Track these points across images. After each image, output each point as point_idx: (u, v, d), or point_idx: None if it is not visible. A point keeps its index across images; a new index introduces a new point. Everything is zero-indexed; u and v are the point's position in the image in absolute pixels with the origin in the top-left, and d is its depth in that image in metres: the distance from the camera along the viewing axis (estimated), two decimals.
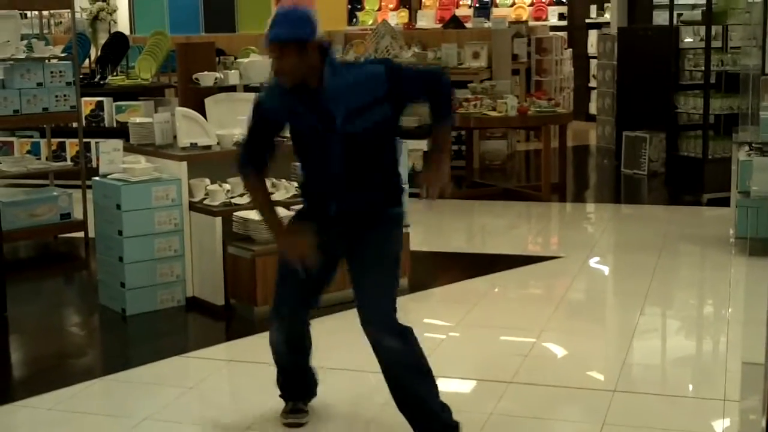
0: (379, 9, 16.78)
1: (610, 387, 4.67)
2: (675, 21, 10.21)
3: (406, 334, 3.87)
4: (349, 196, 3.87)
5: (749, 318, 5.43)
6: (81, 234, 7.62)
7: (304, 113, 3.80)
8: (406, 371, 3.89)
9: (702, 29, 9.78)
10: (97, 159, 8.08)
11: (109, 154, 6.07)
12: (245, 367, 5.12)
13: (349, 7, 16.07)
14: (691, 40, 10.42)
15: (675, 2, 10.28)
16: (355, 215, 3.92)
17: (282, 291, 4.13)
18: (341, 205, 3.89)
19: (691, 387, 4.92)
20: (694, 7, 11.10)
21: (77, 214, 7.66)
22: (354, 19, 16.51)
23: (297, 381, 4.37)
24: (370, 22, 15.97)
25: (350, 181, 3.84)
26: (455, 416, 3.98)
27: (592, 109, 14.05)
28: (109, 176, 5.99)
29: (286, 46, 3.67)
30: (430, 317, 5.90)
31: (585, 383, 4.82)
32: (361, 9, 16.88)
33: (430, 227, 8.14)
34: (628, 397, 4.57)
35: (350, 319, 5.71)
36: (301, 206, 4.22)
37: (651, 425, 4.25)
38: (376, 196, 3.91)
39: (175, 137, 6.19)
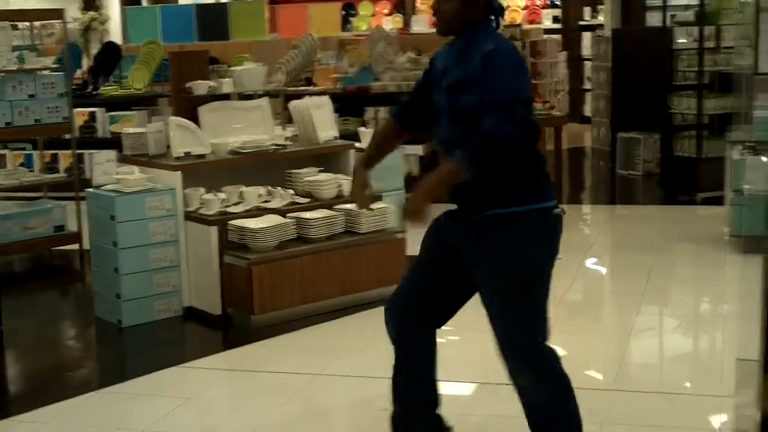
0: (374, 15, 16.80)
1: (609, 386, 4.68)
2: (668, 22, 10.22)
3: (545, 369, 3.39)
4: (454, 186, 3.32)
5: (743, 315, 5.43)
6: (75, 246, 7.61)
7: (441, 72, 3.40)
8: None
9: (695, 30, 9.78)
10: (91, 170, 8.07)
11: (102, 165, 6.07)
12: (244, 376, 5.11)
13: (343, 13, 16.09)
14: (684, 40, 10.42)
15: (668, 3, 10.32)
16: (460, 205, 3.41)
17: (401, 282, 3.62)
18: (450, 192, 3.39)
19: (688, 384, 4.92)
20: (686, 7, 11.12)
21: (71, 227, 7.66)
22: (348, 25, 16.53)
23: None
24: (365, 27, 15.99)
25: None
26: (454, 419, 3.96)
27: (587, 111, 14.06)
28: (102, 187, 5.99)
29: None
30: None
31: (584, 383, 4.79)
32: (355, 15, 16.89)
33: None
34: (627, 395, 4.57)
35: (349, 324, 5.75)
36: None
37: (649, 423, 4.25)
38: (474, 191, 3.30)
39: (168, 147, 6.19)
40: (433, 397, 3.70)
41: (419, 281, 3.53)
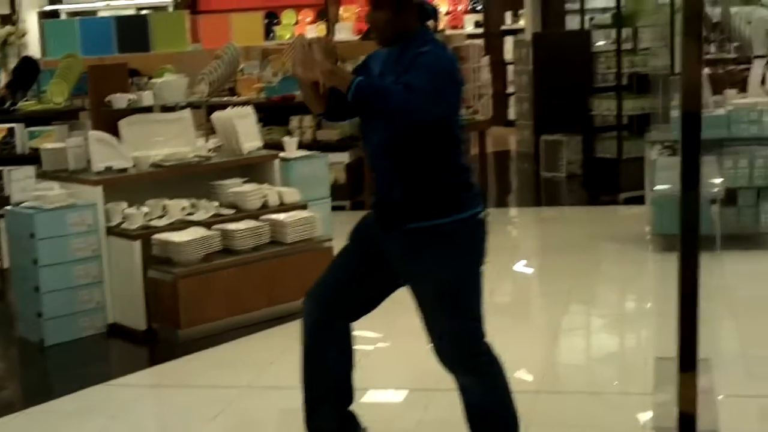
0: (297, 23, 16.76)
1: (536, 388, 4.72)
2: (586, 25, 10.38)
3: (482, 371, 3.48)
4: (377, 187, 3.45)
5: (663, 313, 5.53)
6: None
7: (376, 76, 3.42)
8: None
9: (613, 32, 9.96)
10: (10, 187, 7.90)
11: (21, 182, 5.97)
12: (171, 392, 5.05)
13: (266, 22, 16.00)
14: (602, 43, 10.60)
15: (586, 7, 10.47)
16: (382, 218, 3.46)
17: (325, 272, 3.66)
18: (377, 198, 3.48)
19: (615, 383, 4.99)
20: (604, 10, 11.30)
21: None
22: (271, 34, 16.47)
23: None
24: (288, 36, 15.94)
25: (379, 173, 3.44)
26: (382, 425, 3.97)
27: (511, 114, 14.20)
28: (21, 204, 5.88)
29: (376, 2, 3.35)
30: (358, 328, 5.88)
31: (512, 385, 4.85)
32: (278, 24, 16.84)
33: None
34: (554, 397, 4.62)
35: (277, 335, 5.71)
36: None
37: (577, 423, 4.30)
38: (401, 203, 3.38)
39: (89, 161, 6.10)
40: (343, 393, 3.74)
41: (343, 273, 3.59)
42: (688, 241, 2.64)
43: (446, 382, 4.79)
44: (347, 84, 3.17)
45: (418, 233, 3.34)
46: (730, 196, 6.93)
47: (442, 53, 3.32)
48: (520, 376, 5.02)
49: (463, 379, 3.49)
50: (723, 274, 6.38)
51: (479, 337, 3.46)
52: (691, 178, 2.65)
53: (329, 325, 3.62)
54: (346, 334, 3.69)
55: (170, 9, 15.95)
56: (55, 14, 16.43)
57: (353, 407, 3.78)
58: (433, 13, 3.42)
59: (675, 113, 7.06)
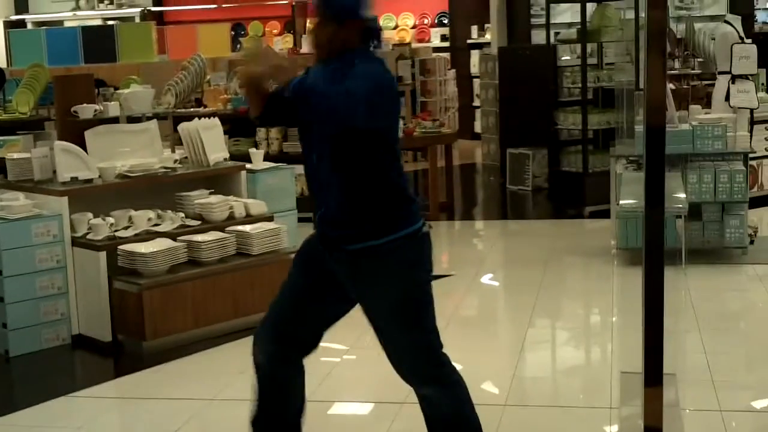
0: (263, 35, 16.76)
1: (502, 401, 4.74)
2: (552, 40, 10.46)
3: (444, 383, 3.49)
4: (318, 209, 3.41)
5: (628, 327, 5.58)
6: None
7: (311, 89, 3.34)
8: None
9: (578, 47, 10.04)
10: None
11: None
12: (135, 404, 5.02)
13: (233, 33, 16.00)
14: (568, 57, 10.68)
15: (551, 21, 10.55)
16: (324, 239, 3.44)
17: (271, 308, 3.61)
18: (315, 218, 3.45)
19: (581, 396, 5.02)
20: (570, 25, 11.40)
21: None
22: (238, 46, 16.44)
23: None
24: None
25: (320, 192, 3.40)
26: None
27: (477, 127, 14.27)
28: None
29: (321, 15, 3.34)
30: (324, 341, 5.88)
31: (477, 398, 4.81)
32: (245, 35, 16.83)
33: None
34: (520, 410, 4.64)
35: (243, 347, 5.68)
36: None
37: None
38: (343, 222, 3.37)
39: (54, 172, 6.06)
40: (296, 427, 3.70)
41: (293, 303, 3.54)
42: (653, 256, 2.67)
43: (413, 394, 4.82)
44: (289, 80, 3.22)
45: (362, 253, 3.34)
46: (694, 211, 7.01)
47: (381, 67, 3.33)
48: (486, 389, 5.05)
49: (425, 391, 3.50)
50: (688, 288, 6.45)
51: (436, 348, 3.47)
52: (655, 194, 2.69)
53: (286, 360, 3.58)
54: (301, 369, 3.64)
55: (137, 20, 15.90)
56: (21, 24, 16.32)
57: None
58: (376, 33, 3.40)
59: (640, 128, 7.13)
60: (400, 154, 3.47)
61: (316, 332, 3.59)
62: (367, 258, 3.34)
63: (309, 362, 3.72)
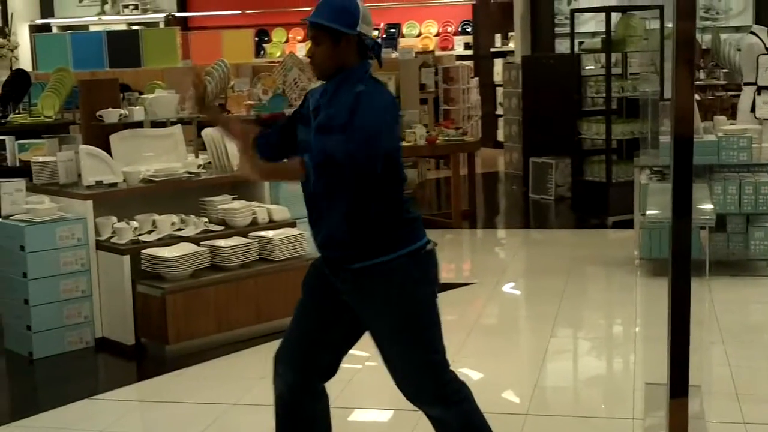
0: (287, 41, 16.82)
1: (523, 410, 4.73)
2: (576, 49, 10.44)
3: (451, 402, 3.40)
4: (319, 230, 3.37)
5: (652, 338, 5.55)
6: None
7: (312, 111, 3.37)
8: None
9: (602, 57, 10.02)
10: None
11: (11, 195, 5.95)
12: (157, 407, 5.04)
13: (257, 39, 16.07)
14: (592, 67, 10.67)
15: (576, 31, 10.53)
16: (329, 260, 3.38)
17: (289, 332, 3.54)
18: (317, 240, 3.40)
19: (603, 406, 5.00)
20: (594, 35, 11.39)
21: None
22: (261, 52, 16.52)
23: None
24: (278, 54, 15.99)
25: (318, 214, 3.35)
26: None
27: (500, 136, 14.26)
28: (11, 217, 5.87)
29: (318, 32, 3.31)
30: None
31: (499, 407, 4.85)
32: (269, 41, 16.89)
33: None
34: (541, 419, 4.62)
35: (265, 353, 5.70)
36: None
37: None
38: (345, 242, 3.31)
39: (79, 175, 6.10)
40: None
41: (307, 330, 3.47)
42: (680, 267, 2.65)
43: None
44: (298, 172, 3.12)
45: (365, 272, 3.29)
46: (719, 222, 6.96)
47: (379, 95, 3.29)
48: (508, 398, 5.04)
49: (432, 412, 3.42)
50: (712, 300, 6.41)
51: (443, 367, 3.40)
52: (682, 204, 2.67)
53: (309, 389, 3.51)
54: (324, 394, 3.59)
55: (162, 25, 16.00)
56: (46, 28, 16.45)
57: None
58: (374, 47, 3.37)
59: (664, 138, 7.11)
60: (403, 170, 3.43)
61: (337, 355, 3.52)
62: (370, 277, 3.30)
63: None
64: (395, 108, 3.35)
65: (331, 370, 3.53)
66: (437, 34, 16.32)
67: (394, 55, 12.87)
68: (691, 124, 2.61)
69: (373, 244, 3.28)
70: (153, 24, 16.14)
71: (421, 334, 3.34)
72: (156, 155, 6.45)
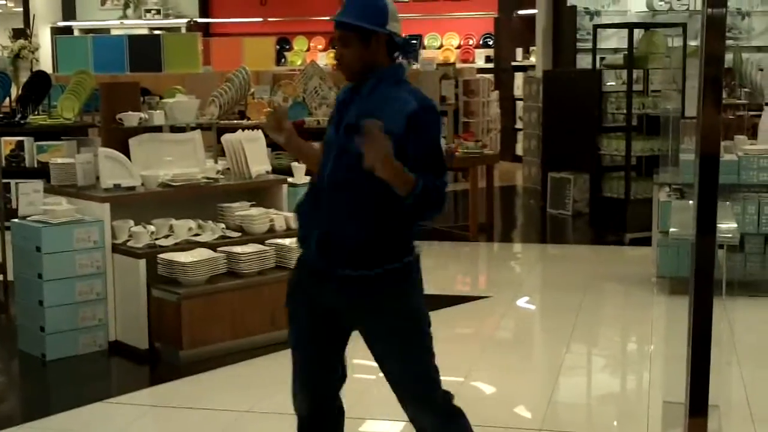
0: (308, 50, 16.85)
1: (537, 425, 4.69)
2: (598, 65, 10.41)
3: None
4: (321, 228, 3.24)
5: (669, 356, 5.51)
6: None
7: (337, 112, 3.32)
8: None
9: (624, 73, 9.99)
10: (17, 200, 7.89)
11: (28, 196, 5.96)
12: (170, 413, 5.03)
13: (278, 47, 16.11)
14: (613, 83, 10.63)
15: (598, 46, 10.50)
16: (330, 263, 3.25)
17: (296, 361, 3.50)
18: (321, 244, 3.24)
19: (615, 423, 4.96)
20: (616, 51, 11.34)
21: None
22: (283, 60, 16.55)
23: None
24: (299, 62, 16.02)
25: (330, 210, 3.23)
26: None
27: (519, 150, 14.23)
28: (29, 218, 5.87)
29: (345, 33, 3.23)
30: (359, 358, 5.82)
31: (512, 422, 4.83)
32: (290, 50, 16.92)
33: None
34: None
35: (280, 360, 5.68)
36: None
37: None
38: (362, 244, 3.20)
39: (98, 178, 6.10)
40: None
41: (310, 360, 3.41)
42: (702, 284, 2.62)
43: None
44: (411, 186, 3.06)
45: (389, 275, 3.21)
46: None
47: (427, 103, 3.22)
48: (520, 414, 5.01)
49: (425, 421, 3.36)
50: (728, 320, 6.36)
51: (437, 376, 3.36)
52: (706, 222, 2.64)
53: (328, 409, 3.50)
54: (342, 410, 3.56)
55: (183, 30, 16.04)
56: (68, 30, 16.52)
57: None
58: (406, 46, 3.32)
59: (684, 156, 7.07)
60: None
61: (342, 362, 3.48)
62: (386, 280, 3.21)
63: None
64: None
65: (342, 380, 3.50)
66: (458, 47, 16.31)
67: (415, 66, 12.88)
68: (718, 141, 2.59)
69: (391, 248, 3.21)
70: (175, 29, 16.19)
71: (425, 340, 3.31)
72: (175, 160, 6.44)
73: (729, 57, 9.87)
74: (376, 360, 3.35)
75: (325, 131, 3.39)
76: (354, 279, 3.21)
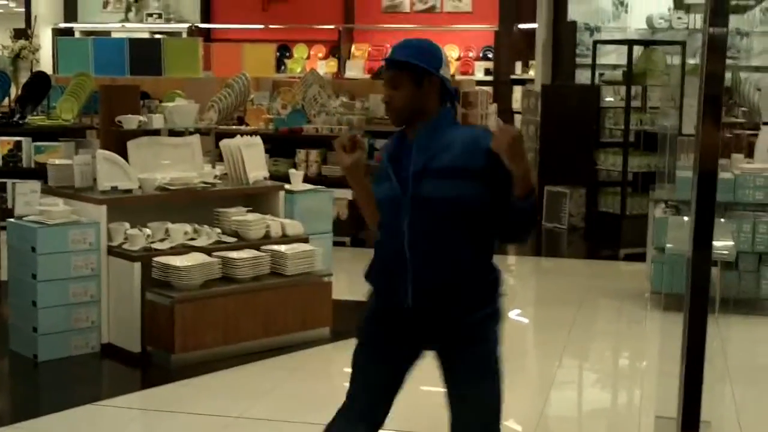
0: (308, 58, 16.85)
1: None
2: (597, 80, 10.44)
3: None
4: (423, 282, 3.14)
5: (662, 372, 5.51)
6: None
7: (389, 164, 3.18)
8: None
9: (622, 89, 10.02)
10: (13, 200, 7.89)
11: (25, 196, 5.97)
12: (160, 417, 5.01)
13: (278, 54, 16.11)
14: (611, 99, 10.66)
15: (597, 62, 10.53)
16: (434, 313, 3.18)
17: (356, 387, 3.41)
18: (417, 294, 3.15)
19: None
20: (615, 67, 11.37)
21: None
22: (282, 67, 16.55)
23: None
24: (299, 70, 16.02)
25: (420, 264, 3.13)
26: None
27: None
28: (24, 218, 5.87)
29: (398, 73, 3.12)
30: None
31: None
32: (290, 57, 16.93)
33: (354, 275, 8.10)
34: None
35: (272, 367, 5.68)
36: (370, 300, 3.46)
37: None
38: (459, 292, 3.15)
39: (95, 180, 6.10)
40: None
41: (376, 396, 3.37)
42: (697, 301, 2.63)
43: (437, 426, 4.77)
44: (528, 187, 2.98)
45: (487, 318, 3.20)
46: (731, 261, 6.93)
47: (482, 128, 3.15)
48: (512, 427, 5.00)
49: None
50: (720, 337, 6.37)
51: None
52: (703, 239, 2.65)
53: None
54: None
55: (184, 35, 16.05)
56: (69, 32, 16.52)
57: None
58: (454, 92, 3.22)
59: (681, 173, 7.09)
60: None
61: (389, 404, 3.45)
62: (484, 323, 3.19)
63: None
64: None
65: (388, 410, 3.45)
66: (458, 59, 16.33)
67: None
68: (716, 159, 2.60)
69: (491, 289, 3.20)
70: (176, 33, 16.19)
71: (497, 383, 3.30)
72: (173, 163, 6.45)
73: (728, 76, 9.92)
74: (448, 383, 3.31)
75: (370, 189, 3.27)
76: (461, 325, 3.18)
